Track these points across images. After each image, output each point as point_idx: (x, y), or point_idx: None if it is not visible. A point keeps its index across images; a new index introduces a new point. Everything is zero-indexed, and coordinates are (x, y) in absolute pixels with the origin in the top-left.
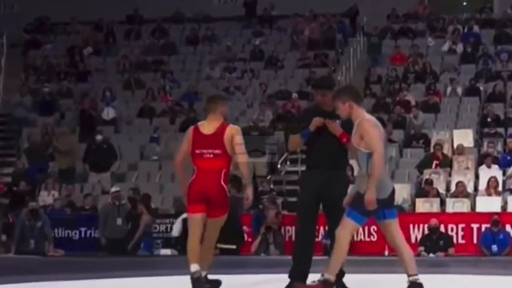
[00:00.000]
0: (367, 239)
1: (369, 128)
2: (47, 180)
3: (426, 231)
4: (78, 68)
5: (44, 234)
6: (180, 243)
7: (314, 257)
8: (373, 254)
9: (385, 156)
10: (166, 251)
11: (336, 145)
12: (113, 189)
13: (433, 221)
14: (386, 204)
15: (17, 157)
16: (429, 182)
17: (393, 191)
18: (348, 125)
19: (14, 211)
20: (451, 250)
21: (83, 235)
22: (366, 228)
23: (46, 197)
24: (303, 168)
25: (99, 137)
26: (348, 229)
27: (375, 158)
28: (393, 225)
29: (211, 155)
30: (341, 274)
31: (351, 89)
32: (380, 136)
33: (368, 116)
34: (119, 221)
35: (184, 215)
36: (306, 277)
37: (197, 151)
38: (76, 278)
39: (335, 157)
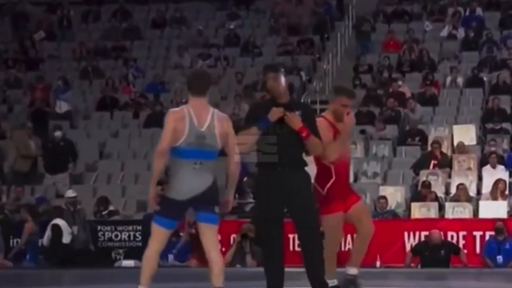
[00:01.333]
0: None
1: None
2: None
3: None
4: (28, 54)
5: None
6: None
7: (300, 269)
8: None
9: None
10: (129, 262)
11: (297, 140)
12: (69, 194)
13: (436, 235)
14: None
15: None
16: (426, 185)
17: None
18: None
19: None
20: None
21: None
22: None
23: None
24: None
25: (58, 133)
26: None
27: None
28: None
29: None
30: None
31: None
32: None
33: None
34: (74, 229)
35: (55, 221)
36: None
37: None
38: None
39: (296, 154)
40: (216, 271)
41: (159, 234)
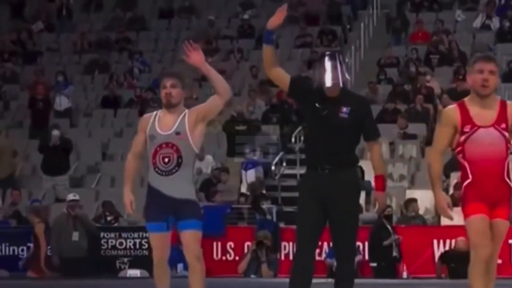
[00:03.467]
0: None
1: None
2: None
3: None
4: (26, 47)
5: None
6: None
7: (316, 280)
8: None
9: None
10: (135, 272)
11: (344, 137)
12: (71, 197)
13: (461, 243)
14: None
15: None
16: (459, 187)
17: None
18: (359, 112)
19: None
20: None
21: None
22: None
23: None
24: (303, 170)
25: (55, 133)
26: None
27: None
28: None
29: None
30: None
31: None
32: None
33: None
34: (75, 236)
35: None
36: None
37: None
38: None
39: (342, 153)
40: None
41: (156, 243)
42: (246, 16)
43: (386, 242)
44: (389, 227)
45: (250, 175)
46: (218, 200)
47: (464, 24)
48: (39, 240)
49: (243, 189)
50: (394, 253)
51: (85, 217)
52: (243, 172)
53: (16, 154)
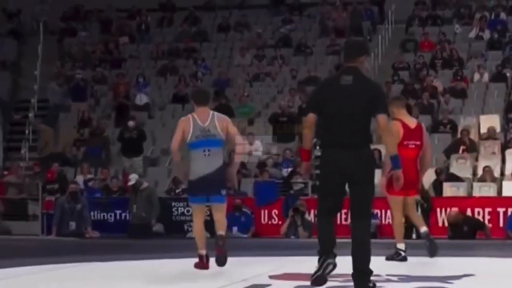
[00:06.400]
0: None
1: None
2: (82, 164)
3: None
4: (112, 55)
5: (83, 217)
6: None
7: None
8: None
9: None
10: None
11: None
12: (132, 181)
13: (450, 215)
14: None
15: (53, 141)
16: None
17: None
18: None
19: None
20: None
21: (117, 217)
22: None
23: (81, 181)
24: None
25: (131, 123)
26: None
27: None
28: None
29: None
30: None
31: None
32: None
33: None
34: (134, 208)
35: None
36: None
37: (405, 142)
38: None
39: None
40: (218, 225)
41: (196, 210)
42: (282, 30)
43: None
44: None
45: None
46: (265, 177)
47: (462, 36)
48: None
49: None
50: None
51: (150, 192)
52: None
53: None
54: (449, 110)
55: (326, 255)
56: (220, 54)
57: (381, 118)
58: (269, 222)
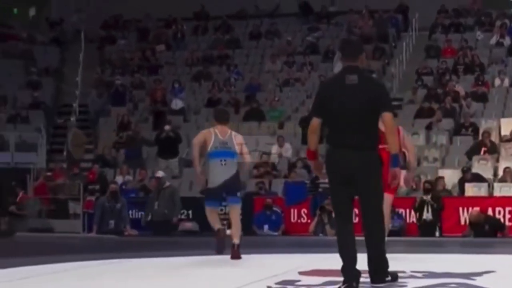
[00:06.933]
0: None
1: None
2: (122, 166)
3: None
4: (149, 61)
5: (122, 215)
6: None
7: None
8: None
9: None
10: (228, 231)
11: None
12: (159, 174)
13: (472, 214)
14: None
15: (94, 144)
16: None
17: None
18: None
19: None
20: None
21: None
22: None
23: (120, 181)
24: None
25: (166, 127)
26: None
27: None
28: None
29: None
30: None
31: None
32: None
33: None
34: (156, 205)
35: None
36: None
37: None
38: (154, 256)
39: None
40: (234, 230)
41: (210, 212)
42: (309, 38)
43: None
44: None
45: None
46: (294, 177)
47: (483, 42)
48: None
49: None
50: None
51: (173, 190)
52: None
53: (84, 141)
54: (470, 114)
55: (350, 283)
56: (252, 60)
57: (387, 116)
58: (298, 221)
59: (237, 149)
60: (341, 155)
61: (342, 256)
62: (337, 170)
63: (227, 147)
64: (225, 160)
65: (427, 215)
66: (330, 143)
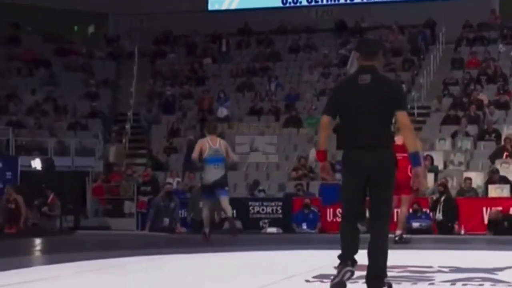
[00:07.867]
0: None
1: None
2: (171, 169)
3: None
4: (197, 74)
5: (175, 214)
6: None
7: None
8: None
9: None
10: (272, 229)
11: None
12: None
13: (492, 213)
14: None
15: (147, 150)
16: (496, 171)
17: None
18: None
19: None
20: None
21: None
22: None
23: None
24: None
25: None
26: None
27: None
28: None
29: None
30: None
31: None
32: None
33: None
34: (200, 204)
35: None
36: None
37: None
38: (203, 252)
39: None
40: (226, 211)
41: (206, 203)
42: (342, 51)
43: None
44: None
45: None
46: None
47: (505, 54)
48: None
49: None
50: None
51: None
52: None
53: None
54: (493, 121)
55: (345, 262)
56: (291, 72)
57: (401, 115)
58: (334, 220)
59: (224, 152)
60: (355, 155)
61: (342, 247)
62: (354, 170)
63: (218, 154)
64: (217, 165)
65: (438, 215)
66: (345, 144)
